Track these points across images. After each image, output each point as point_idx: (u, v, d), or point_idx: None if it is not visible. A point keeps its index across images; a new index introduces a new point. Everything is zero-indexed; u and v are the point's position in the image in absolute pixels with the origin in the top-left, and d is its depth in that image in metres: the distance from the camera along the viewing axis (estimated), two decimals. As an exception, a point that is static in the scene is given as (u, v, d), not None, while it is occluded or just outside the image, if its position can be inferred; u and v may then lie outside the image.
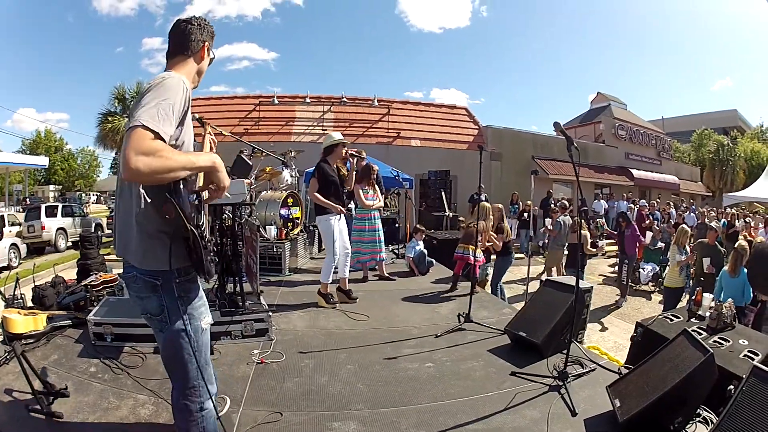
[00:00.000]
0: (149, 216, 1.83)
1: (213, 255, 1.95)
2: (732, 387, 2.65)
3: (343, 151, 5.37)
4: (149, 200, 1.80)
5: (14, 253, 12.80)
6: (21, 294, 4.72)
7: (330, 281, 5.18)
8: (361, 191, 6.28)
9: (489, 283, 7.52)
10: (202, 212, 1.98)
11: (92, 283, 5.18)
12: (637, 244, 9.43)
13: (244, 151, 6.78)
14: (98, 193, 47.78)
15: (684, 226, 8.03)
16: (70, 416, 2.72)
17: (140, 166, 1.58)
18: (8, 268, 11.51)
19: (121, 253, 1.98)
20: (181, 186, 1.76)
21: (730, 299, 4.23)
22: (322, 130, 17.94)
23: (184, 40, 2.02)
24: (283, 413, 2.84)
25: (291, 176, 7.78)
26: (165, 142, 1.68)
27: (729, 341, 3.40)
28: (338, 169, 5.36)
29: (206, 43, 2.08)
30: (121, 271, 5.77)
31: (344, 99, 18.67)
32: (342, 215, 5.26)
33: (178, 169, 1.69)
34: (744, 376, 2.36)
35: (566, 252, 9.40)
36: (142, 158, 1.58)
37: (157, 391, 3.04)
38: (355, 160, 5.82)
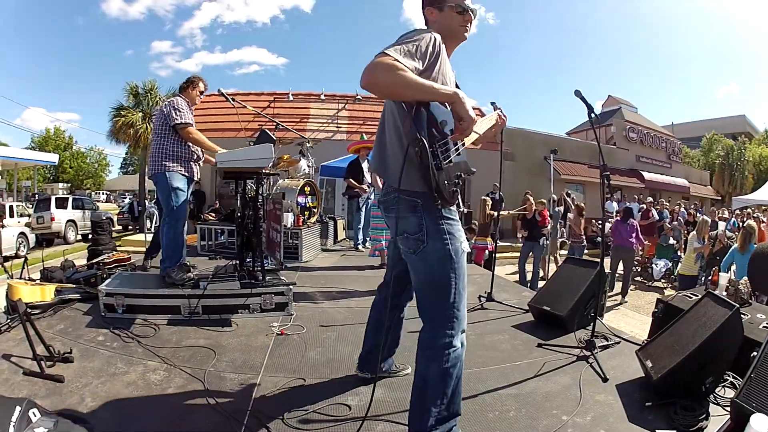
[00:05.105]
0: (402, 138, 1.95)
1: (454, 183, 1.94)
2: (755, 353, 2.60)
3: None
4: (403, 120, 1.91)
5: (22, 242, 12.83)
6: (29, 277, 4.61)
7: None
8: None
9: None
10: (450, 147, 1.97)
11: (104, 260, 5.12)
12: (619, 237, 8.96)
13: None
14: (108, 192, 47.96)
15: (705, 217, 7.95)
16: (71, 380, 2.58)
17: (371, 72, 1.76)
18: (16, 257, 11.49)
19: (383, 175, 2.16)
20: (423, 109, 1.87)
21: (745, 277, 4.21)
22: (337, 127, 17.94)
23: None
24: (306, 379, 2.75)
25: (308, 166, 7.89)
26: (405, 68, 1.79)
27: (748, 315, 3.35)
28: None
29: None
30: (135, 258, 5.83)
31: (359, 97, 18.60)
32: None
33: (413, 87, 1.79)
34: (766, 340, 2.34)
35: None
36: (374, 70, 1.76)
37: (170, 358, 2.91)
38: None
